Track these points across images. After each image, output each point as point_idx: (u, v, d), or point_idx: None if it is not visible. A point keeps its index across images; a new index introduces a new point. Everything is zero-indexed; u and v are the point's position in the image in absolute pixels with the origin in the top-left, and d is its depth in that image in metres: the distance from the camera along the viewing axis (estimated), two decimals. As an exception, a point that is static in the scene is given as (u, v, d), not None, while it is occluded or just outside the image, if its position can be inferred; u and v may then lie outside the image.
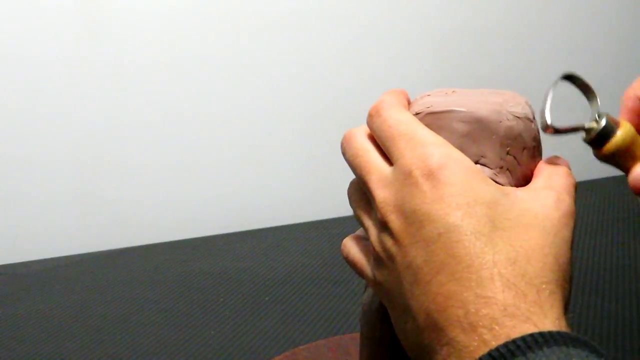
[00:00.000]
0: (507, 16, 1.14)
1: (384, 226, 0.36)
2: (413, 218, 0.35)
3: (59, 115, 0.96)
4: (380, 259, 0.37)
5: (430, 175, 0.35)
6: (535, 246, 0.33)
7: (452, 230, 0.33)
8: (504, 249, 0.33)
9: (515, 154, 0.39)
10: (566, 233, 0.35)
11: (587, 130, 0.39)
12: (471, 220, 0.33)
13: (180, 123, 1.02)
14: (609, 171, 1.39)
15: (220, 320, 0.74)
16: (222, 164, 1.05)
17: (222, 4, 1.00)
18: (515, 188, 0.37)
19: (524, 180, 0.39)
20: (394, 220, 0.36)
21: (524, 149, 0.39)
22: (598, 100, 0.40)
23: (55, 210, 0.98)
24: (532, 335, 0.30)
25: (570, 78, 0.41)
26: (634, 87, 0.42)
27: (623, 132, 0.39)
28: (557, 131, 0.38)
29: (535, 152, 0.39)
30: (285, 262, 0.90)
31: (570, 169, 0.39)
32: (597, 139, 0.39)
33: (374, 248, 0.37)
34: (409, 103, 0.41)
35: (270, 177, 1.07)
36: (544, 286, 0.32)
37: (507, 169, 0.38)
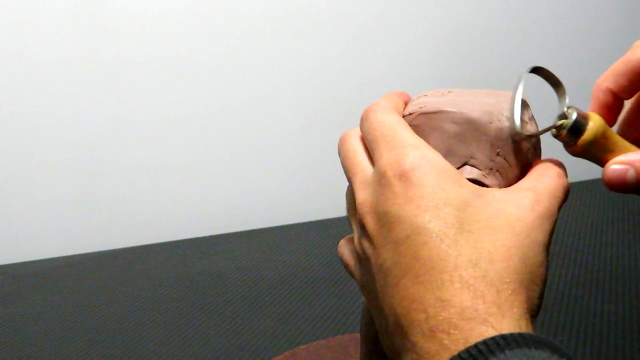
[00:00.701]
0: (507, 16, 1.14)
1: (362, 227, 0.36)
2: (385, 219, 0.35)
3: (59, 115, 0.96)
4: (361, 260, 0.37)
5: (403, 176, 0.35)
6: (501, 247, 0.33)
7: (419, 232, 0.33)
8: (468, 251, 0.32)
9: (505, 156, 0.38)
10: (539, 235, 0.34)
11: (558, 127, 0.38)
12: (438, 222, 0.33)
13: (180, 123, 1.02)
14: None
15: (220, 320, 0.74)
16: (222, 164, 1.05)
17: (222, 5, 1.00)
18: (495, 189, 0.36)
19: (518, 181, 0.39)
20: (370, 222, 0.36)
21: (515, 150, 0.39)
22: (567, 94, 0.40)
23: (55, 210, 0.99)
24: (493, 338, 0.29)
25: (538, 71, 0.41)
26: (604, 78, 0.41)
27: (594, 125, 0.38)
28: (529, 136, 0.38)
29: (529, 153, 0.39)
30: (285, 262, 0.90)
31: (564, 170, 0.38)
32: (569, 134, 0.38)
33: (355, 249, 0.38)
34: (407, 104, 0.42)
35: (270, 177, 1.07)
36: (504, 286, 0.32)
37: (497, 170, 0.38)
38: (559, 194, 0.36)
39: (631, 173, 0.37)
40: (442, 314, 0.31)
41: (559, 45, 1.16)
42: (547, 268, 0.34)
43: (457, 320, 0.30)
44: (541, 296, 0.34)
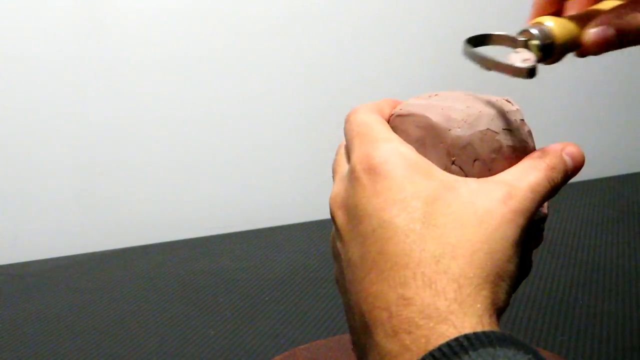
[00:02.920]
0: (507, 16, 1.13)
1: (334, 222, 0.36)
2: (353, 213, 0.34)
3: (59, 115, 0.96)
4: (335, 256, 0.37)
5: (371, 169, 0.34)
6: (467, 242, 0.32)
7: (385, 226, 0.32)
8: (432, 246, 0.31)
9: (462, 165, 0.37)
10: (508, 230, 0.33)
11: (528, 45, 0.38)
12: (405, 217, 0.32)
13: (180, 123, 1.02)
14: (609, 171, 1.39)
15: (220, 320, 0.74)
16: (222, 164, 1.05)
17: (222, 5, 1.00)
18: (470, 180, 0.35)
19: None
20: (339, 216, 0.36)
21: (475, 160, 0.37)
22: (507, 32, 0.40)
23: (55, 210, 0.98)
24: (457, 339, 0.28)
25: (475, 40, 0.41)
26: None
27: (555, 23, 0.38)
28: (496, 66, 0.37)
29: (494, 164, 0.37)
30: (285, 262, 0.90)
31: (560, 162, 0.36)
32: (542, 46, 0.38)
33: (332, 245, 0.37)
34: None
35: (270, 177, 1.07)
36: (467, 282, 0.31)
37: None
38: (541, 188, 0.35)
39: (611, 30, 0.38)
40: (404, 312, 0.30)
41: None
42: (517, 264, 0.33)
43: (418, 319, 0.30)
44: (509, 292, 0.33)
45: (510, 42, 0.39)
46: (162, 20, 0.98)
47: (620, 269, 0.81)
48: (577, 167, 0.37)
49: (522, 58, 0.38)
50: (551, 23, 0.38)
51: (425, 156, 0.37)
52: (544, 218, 0.39)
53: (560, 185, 0.36)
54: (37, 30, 0.93)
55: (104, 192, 1.00)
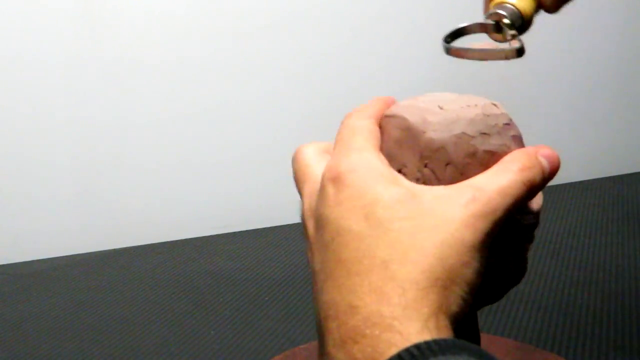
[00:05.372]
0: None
1: (305, 232, 0.36)
2: (319, 223, 0.34)
3: (59, 115, 0.96)
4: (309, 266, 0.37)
5: (337, 179, 0.34)
6: (419, 247, 0.31)
7: (342, 234, 0.32)
8: (383, 252, 0.31)
9: (434, 168, 0.37)
10: (467, 234, 0.32)
11: (505, 27, 0.39)
12: (362, 224, 0.32)
13: (180, 123, 1.02)
14: (609, 171, 1.39)
15: (220, 320, 0.74)
16: (222, 164, 1.05)
17: (222, 6, 1.00)
18: (438, 188, 0.34)
19: None
20: (309, 226, 0.36)
21: (447, 164, 0.36)
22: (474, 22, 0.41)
23: (55, 210, 0.98)
24: (408, 350, 0.28)
25: (452, 36, 0.42)
26: None
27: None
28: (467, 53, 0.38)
29: (467, 169, 0.36)
30: (285, 262, 0.90)
31: (535, 163, 0.35)
32: (515, 23, 0.39)
33: None
34: None
35: (270, 177, 1.07)
36: (413, 286, 0.30)
37: (424, 183, 0.37)
38: (513, 190, 0.34)
39: None
40: (351, 321, 0.30)
41: (558, 45, 1.16)
42: (476, 269, 0.32)
43: (364, 328, 0.29)
44: (465, 298, 0.31)
45: (482, 28, 0.40)
46: (162, 20, 0.98)
47: (620, 269, 0.81)
48: (554, 168, 0.36)
49: (502, 41, 0.39)
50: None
51: (402, 158, 0.37)
52: (532, 213, 0.38)
53: (539, 186, 0.35)
54: (37, 30, 0.93)
55: (104, 192, 1.00)
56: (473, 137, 0.36)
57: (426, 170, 0.37)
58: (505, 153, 0.37)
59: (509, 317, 0.70)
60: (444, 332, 0.30)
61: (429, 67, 1.11)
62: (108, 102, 0.98)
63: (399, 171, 0.37)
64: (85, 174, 0.99)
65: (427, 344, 0.28)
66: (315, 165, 0.38)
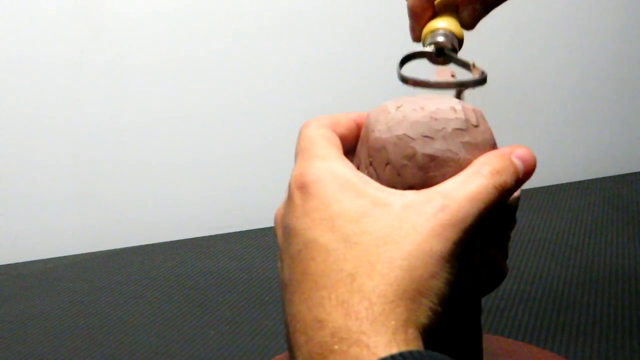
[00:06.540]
0: (505, 16, 1.13)
1: (275, 237, 0.36)
2: (287, 233, 0.34)
3: (59, 115, 0.96)
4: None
5: (303, 188, 0.34)
6: (386, 259, 0.31)
7: (309, 246, 0.32)
8: (350, 265, 0.31)
9: (376, 167, 0.37)
10: (435, 245, 0.31)
11: (446, 52, 0.42)
12: (329, 236, 0.32)
13: (180, 123, 1.02)
14: (609, 171, 1.39)
15: (220, 320, 0.74)
16: (221, 164, 1.05)
17: (222, 6, 1.00)
18: (407, 193, 0.34)
19: None
20: (278, 236, 0.36)
21: (386, 164, 0.36)
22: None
23: (55, 210, 0.98)
24: None
25: (404, 61, 0.43)
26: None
27: (444, 23, 0.44)
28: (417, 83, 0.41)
29: (404, 170, 0.36)
30: (285, 262, 0.90)
31: (508, 165, 0.35)
32: (453, 46, 0.43)
33: None
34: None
35: (270, 177, 1.07)
36: (380, 299, 0.30)
37: None
38: (484, 196, 0.33)
39: (477, 5, 0.46)
40: (318, 336, 0.29)
41: (558, 45, 1.16)
42: (445, 279, 0.31)
43: (331, 343, 0.29)
44: (434, 309, 0.31)
45: (426, 55, 0.43)
46: (162, 21, 0.98)
47: (620, 269, 0.81)
48: (529, 169, 0.35)
49: (444, 64, 0.42)
50: (443, 24, 0.43)
51: (360, 154, 0.38)
52: (513, 207, 0.37)
53: (513, 189, 0.35)
54: (38, 30, 0.93)
55: (104, 192, 1.00)
56: (414, 139, 0.36)
57: (371, 169, 0.37)
58: (450, 159, 0.36)
59: (509, 317, 0.70)
60: (412, 345, 0.29)
61: (429, 67, 1.11)
62: (108, 102, 0.98)
63: (358, 167, 0.38)
64: (85, 174, 0.99)
65: (393, 357, 0.27)
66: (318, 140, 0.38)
